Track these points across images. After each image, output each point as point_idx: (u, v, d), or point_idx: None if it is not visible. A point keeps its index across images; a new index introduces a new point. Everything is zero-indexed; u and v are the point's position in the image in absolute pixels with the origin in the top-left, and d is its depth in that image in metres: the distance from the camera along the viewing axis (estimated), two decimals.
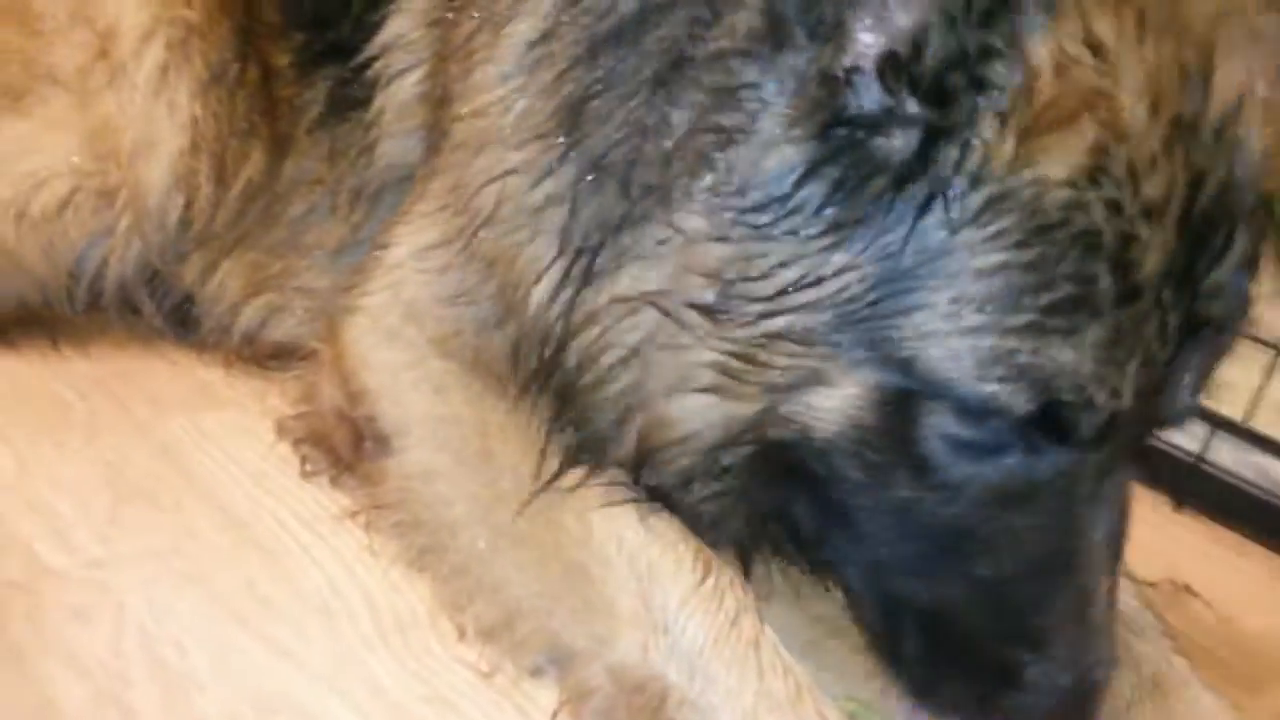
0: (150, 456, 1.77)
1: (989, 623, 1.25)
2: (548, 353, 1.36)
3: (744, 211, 1.19)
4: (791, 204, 1.17)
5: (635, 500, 1.35)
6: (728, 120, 1.22)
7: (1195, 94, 1.15)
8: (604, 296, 1.30)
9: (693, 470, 1.33)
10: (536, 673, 1.36)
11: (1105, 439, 1.20)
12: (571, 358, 1.34)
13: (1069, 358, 1.13)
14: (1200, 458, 2.31)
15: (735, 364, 1.23)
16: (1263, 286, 1.34)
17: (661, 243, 1.26)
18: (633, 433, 1.33)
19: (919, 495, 1.24)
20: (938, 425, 1.20)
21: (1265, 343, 2.20)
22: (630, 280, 1.28)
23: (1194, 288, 1.17)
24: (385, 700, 1.34)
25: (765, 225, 1.18)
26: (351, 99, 1.87)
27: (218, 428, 1.84)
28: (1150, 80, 1.13)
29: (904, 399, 1.19)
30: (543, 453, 1.38)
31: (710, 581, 1.29)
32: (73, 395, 1.91)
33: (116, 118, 1.92)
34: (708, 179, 1.23)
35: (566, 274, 1.33)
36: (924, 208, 1.14)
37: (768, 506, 1.38)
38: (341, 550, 1.58)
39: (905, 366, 1.17)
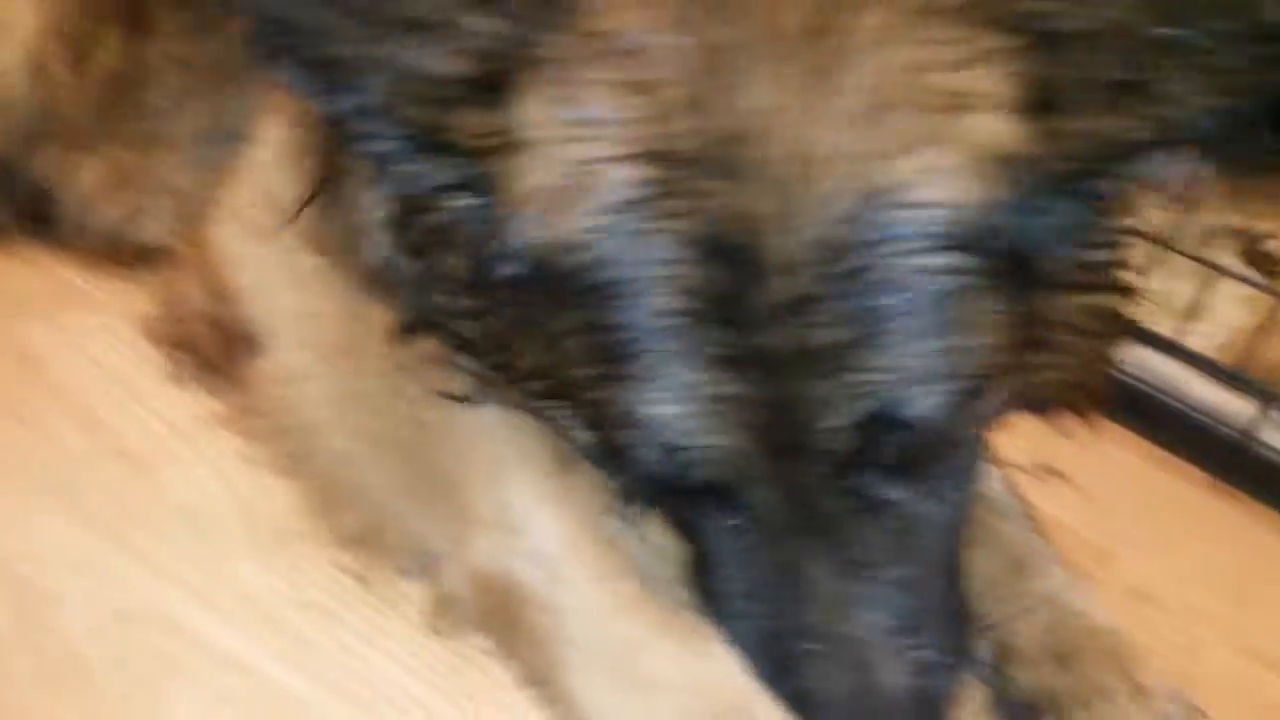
0: (7, 360, 1.69)
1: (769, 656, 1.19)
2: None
3: None
4: None
5: (499, 399, 1.33)
6: None
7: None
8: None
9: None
10: (407, 575, 1.36)
11: (749, 477, 1.10)
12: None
13: (642, 406, 1.05)
14: None
15: None
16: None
17: None
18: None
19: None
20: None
21: (1144, 236, 2.25)
22: None
23: (743, 316, 1.01)
24: (257, 609, 1.33)
25: None
26: None
27: (80, 330, 1.76)
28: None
29: None
30: (401, 339, 1.33)
31: (563, 479, 1.29)
32: None
33: None
34: None
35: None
36: None
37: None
38: (212, 457, 1.54)
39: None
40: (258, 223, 1.58)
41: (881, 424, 1.06)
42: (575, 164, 1.03)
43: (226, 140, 1.75)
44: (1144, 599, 1.80)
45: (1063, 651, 1.46)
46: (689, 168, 0.99)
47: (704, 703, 1.17)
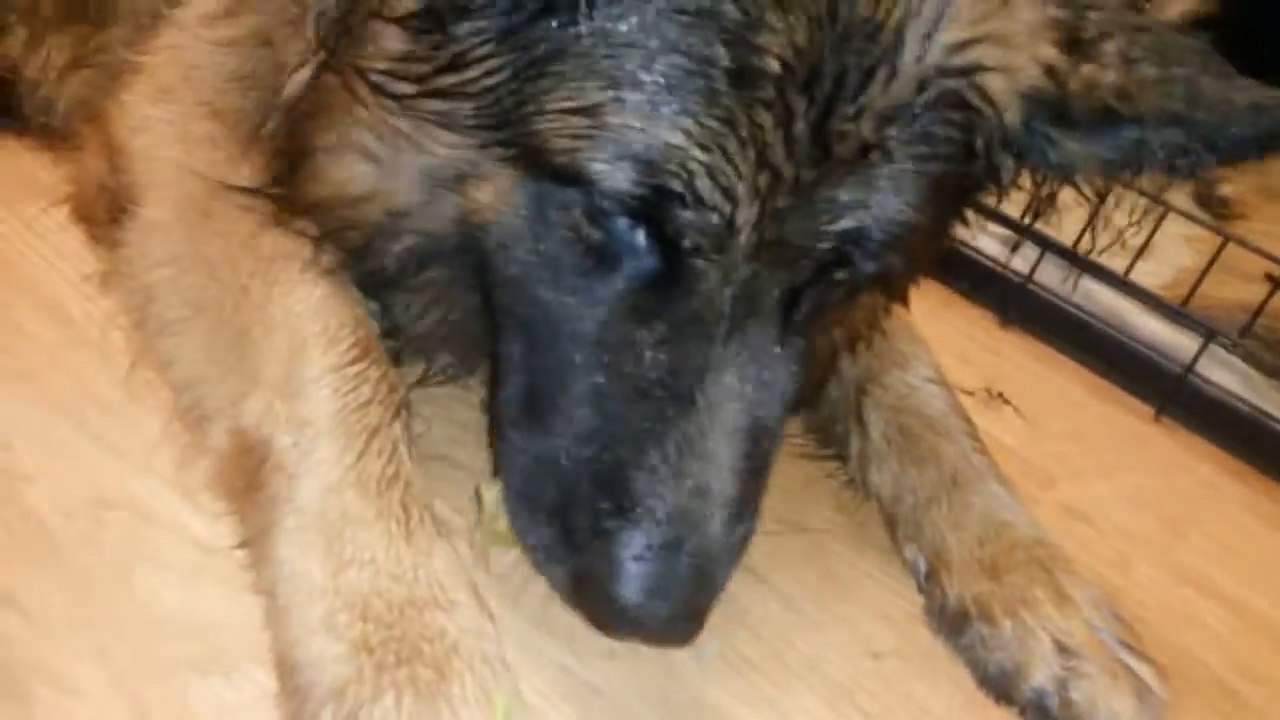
0: None
1: (591, 456, 1.21)
2: (290, 129, 1.36)
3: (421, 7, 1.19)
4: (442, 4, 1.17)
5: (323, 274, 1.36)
6: None
7: None
8: (328, 85, 1.29)
9: (378, 251, 1.34)
10: (178, 430, 1.38)
11: (727, 252, 1.17)
12: (297, 139, 1.34)
13: (678, 139, 1.12)
14: (1029, 278, 2.44)
15: (391, 139, 1.25)
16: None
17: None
18: (306, 185, 1.33)
19: (557, 298, 1.24)
20: (570, 223, 1.21)
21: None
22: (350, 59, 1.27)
23: (829, 100, 1.13)
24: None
25: (431, 20, 1.19)
26: None
27: (41, 219, 1.73)
28: None
29: (544, 194, 1.21)
30: (255, 218, 1.38)
31: (357, 367, 1.30)
32: None
33: None
34: None
35: (318, 56, 1.30)
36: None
37: (477, 323, 1.39)
38: None
39: (539, 157, 1.18)
40: (169, 85, 1.59)
41: (854, 244, 1.20)
42: None
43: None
44: (1079, 519, 1.89)
45: (993, 562, 1.52)
46: None
47: (400, 588, 1.16)
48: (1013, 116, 1.25)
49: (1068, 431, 2.15)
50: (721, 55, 1.11)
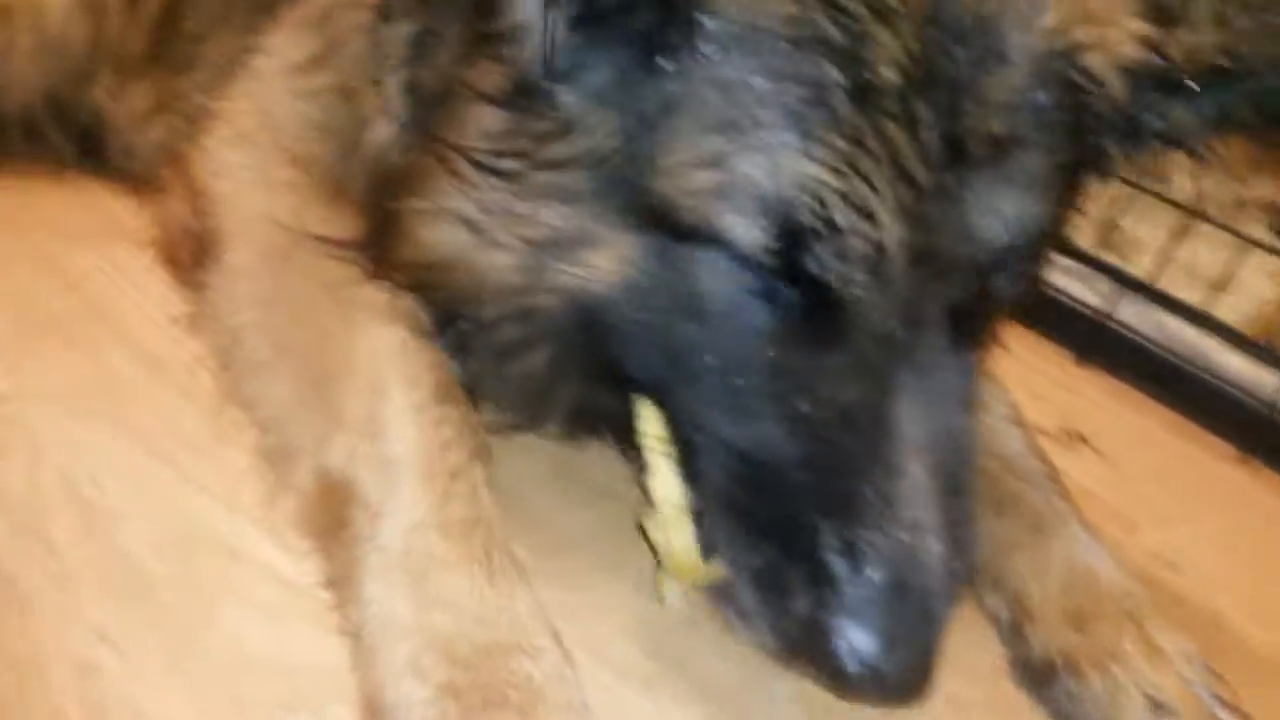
0: (60, 290, 1.73)
1: (787, 485, 1.18)
2: (379, 188, 1.38)
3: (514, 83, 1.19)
4: (547, 67, 1.16)
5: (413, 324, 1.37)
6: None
7: None
8: (430, 143, 1.30)
9: (466, 311, 1.34)
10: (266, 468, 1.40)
11: (882, 276, 1.14)
12: (390, 201, 1.35)
13: (807, 170, 1.09)
14: (1106, 315, 2.39)
15: (493, 210, 1.24)
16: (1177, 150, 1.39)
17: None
18: (394, 245, 1.34)
19: (709, 345, 1.21)
20: (707, 276, 1.18)
21: (1174, 203, 2.26)
22: (445, 134, 1.28)
23: (954, 99, 1.12)
24: None
25: (527, 91, 1.19)
26: None
27: (129, 261, 1.79)
28: None
29: (672, 252, 1.19)
30: (340, 264, 1.40)
31: (438, 408, 1.30)
32: None
33: None
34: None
35: (403, 116, 1.33)
36: (655, 53, 1.13)
37: (588, 373, 1.39)
38: None
39: (663, 217, 1.16)
40: (248, 131, 1.64)
41: (1006, 248, 1.18)
42: None
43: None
44: (1165, 565, 1.83)
45: (1079, 613, 1.47)
46: None
47: (485, 632, 1.16)
48: (1118, 92, 1.24)
49: (1149, 473, 2.09)
50: (836, 76, 1.10)
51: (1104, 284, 2.40)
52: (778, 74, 1.11)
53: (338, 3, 1.55)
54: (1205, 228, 2.30)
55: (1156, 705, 1.39)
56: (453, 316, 1.37)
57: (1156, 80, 1.26)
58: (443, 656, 1.14)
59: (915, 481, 1.16)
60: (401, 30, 1.36)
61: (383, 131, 1.36)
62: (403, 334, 1.36)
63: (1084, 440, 2.08)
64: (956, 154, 1.13)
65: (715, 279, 1.18)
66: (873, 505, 1.15)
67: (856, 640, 1.14)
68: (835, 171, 1.10)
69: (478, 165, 1.24)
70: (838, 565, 1.15)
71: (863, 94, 1.10)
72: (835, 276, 1.14)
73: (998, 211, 1.17)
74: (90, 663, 1.17)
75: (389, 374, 1.32)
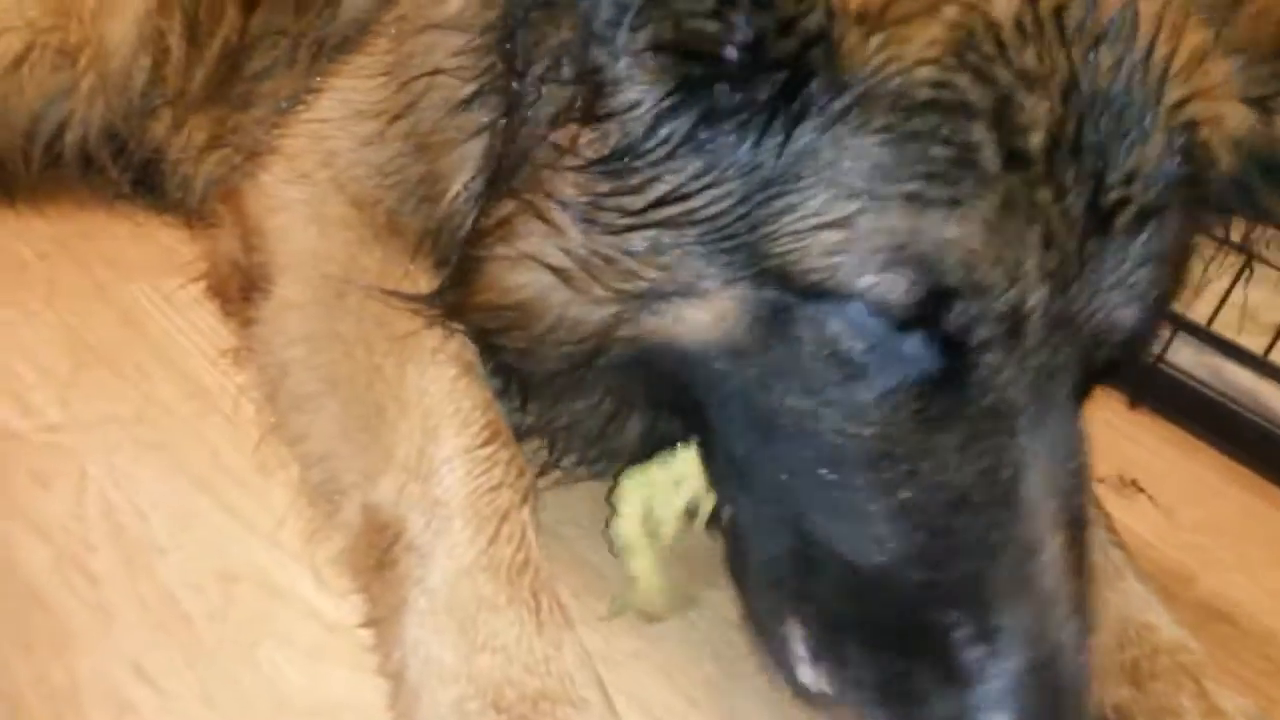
0: (111, 321, 1.76)
1: (902, 586, 1.12)
2: (452, 244, 1.37)
3: (616, 147, 1.17)
4: (659, 133, 1.14)
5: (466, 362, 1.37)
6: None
7: None
8: (509, 207, 1.28)
9: (545, 359, 1.32)
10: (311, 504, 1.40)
11: (1019, 340, 1.12)
12: (471, 249, 1.33)
13: (954, 232, 1.07)
14: (1159, 358, 2.34)
15: (588, 259, 1.21)
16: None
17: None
18: (471, 289, 1.33)
19: (809, 413, 1.16)
20: (822, 337, 1.14)
21: (1232, 245, 2.20)
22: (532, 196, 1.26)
23: (1098, 166, 1.12)
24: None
25: (634, 155, 1.16)
26: None
27: (181, 293, 1.81)
28: None
29: (783, 312, 1.15)
30: (398, 303, 1.40)
31: (488, 450, 1.29)
32: (31, 254, 1.88)
33: None
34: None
35: (487, 181, 1.31)
36: (780, 117, 1.10)
37: (653, 423, 1.39)
38: None
39: (779, 276, 1.13)
40: (308, 170, 1.64)
41: (1135, 328, 1.18)
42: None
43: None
44: (1223, 619, 1.78)
45: (1135, 667, 1.42)
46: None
47: (533, 680, 1.14)
48: (1228, 167, 1.23)
49: (1206, 522, 2.04)
50: (985, 138, 1.08)
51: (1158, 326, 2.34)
52: (920, 136, 1.09)
53: (414, 52, 1.53)
54: (1262, 270, 2.24)
55: None
56: (524, 359, 1.36)
57: (1259, 160, 1.27)
58: (489, 703, 1.12)
59: (1051, 555, 1.12)
60: (490, 97, 1.35)
61: (460, 189, 1.35)
62: (454, 373, 1.36)
63: (1139, 488, 2.03)
64: (1099, 222, 1.13)
65: (835, 337, 1.14)
66: (1006, 588, 1.10)
67: None
68: (983, 233, 1.08)
69: (575, 216, 1.21)
70: (973, 658, 1.09)
71: (1012, 157, 1.09)
72: (975, 339, 1.11)
73: (1131, 281, 1.16)
74: (127, 700, 1.16)
75: (441, 414, 1.31)
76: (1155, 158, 1.14)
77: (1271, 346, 2.30)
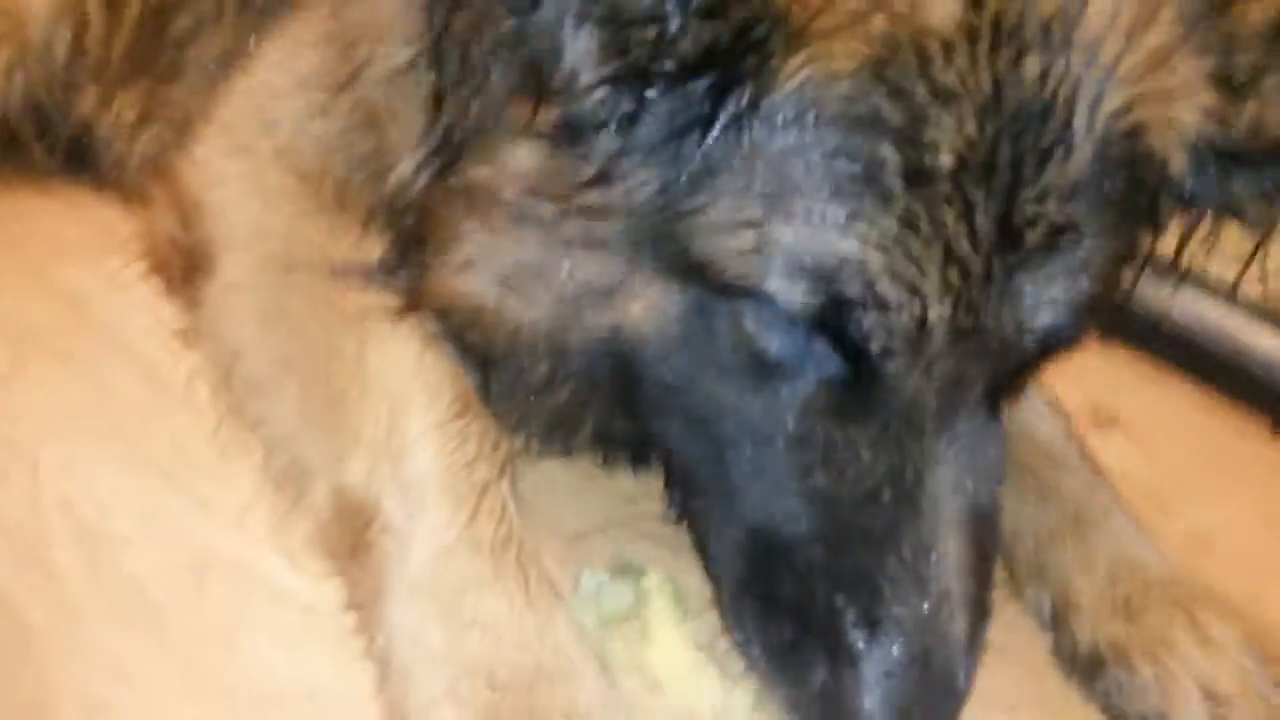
0: (54, 306, 1.68)
1: (804, 561, 1.17)
2: (400, 217, 1.33)
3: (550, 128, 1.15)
4: (592, 109, 1.11)
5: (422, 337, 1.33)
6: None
7: None
8: (459, 181, 1.24)
9: (498, 354, 1.32)
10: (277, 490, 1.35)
11: (922, 350, 1.12)
12: (417, 224, 1.30)
13: (851, 247, 1.08)
14: (1129, 293, 2.34)
15: (524, 262, 1.21)
16: None
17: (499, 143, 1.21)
18: (422, 289, 1.31)
19: (733, 402, 1.19)
20: (740, 334, 1.16)
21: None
22: (476, 173, 1.23)
23: (1010, 186, 1.09)
24: None
25: (570, 135, 1.14)
26: None
27: (126, 275, 1.71)
28: None
29: (706, 306, 1.17)
30: (349, 279, 1.36)
31: (460, 423, 1.27)
32: None
33: None
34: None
35: (433, 151, 1.25)
36: (707, 117, 1.09)
37: (609, 419, 1.38)
38: None
39: (699, 273, 1.14)
40: (247, 141, 1.58)
41: (1055, 332, 1.17)
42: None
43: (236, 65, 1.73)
44: (1204, 548, 1.77)
45: (1127, 603, 1.44)
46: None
47: (527, 657, 1.13)
48: (1178, 167, 1.20)
49: (1183, 454, 2.04)
50: (890, 156, 1.07)
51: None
52: (829, 149, 1.08)
53: (358, 23, 1.48)
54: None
55: (1210, 694, 1.35)
56: (482, 356, 1.34)
57: (1218, 154, 1.23)
58: (482, 682, 1.10)
59: (946, 553, 1.15)
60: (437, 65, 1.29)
61: (408, 165, 1.30)
62: (418, 347, 1.32)
63: (1115, 422, 2.03)
64: (1009, 240, 1.10)
65: (747, 337, 1.16)
66: (898, 579, 1.13)
67: (875, 714, 1.12)
68: (881, 248, 1.08)
69: (507, 212, 1.20)
70: (858, 639, 1.13)
71: (917, 175, 1.07)
72: (876, 347, 1.12)
73: (1047, 294, 1.14)
74: (102, 700, 1.13)
75: (407, 390, 1.28)
76: (1078, 173, 1.11)
77: (1240, 277, 2.31)
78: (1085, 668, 1.43)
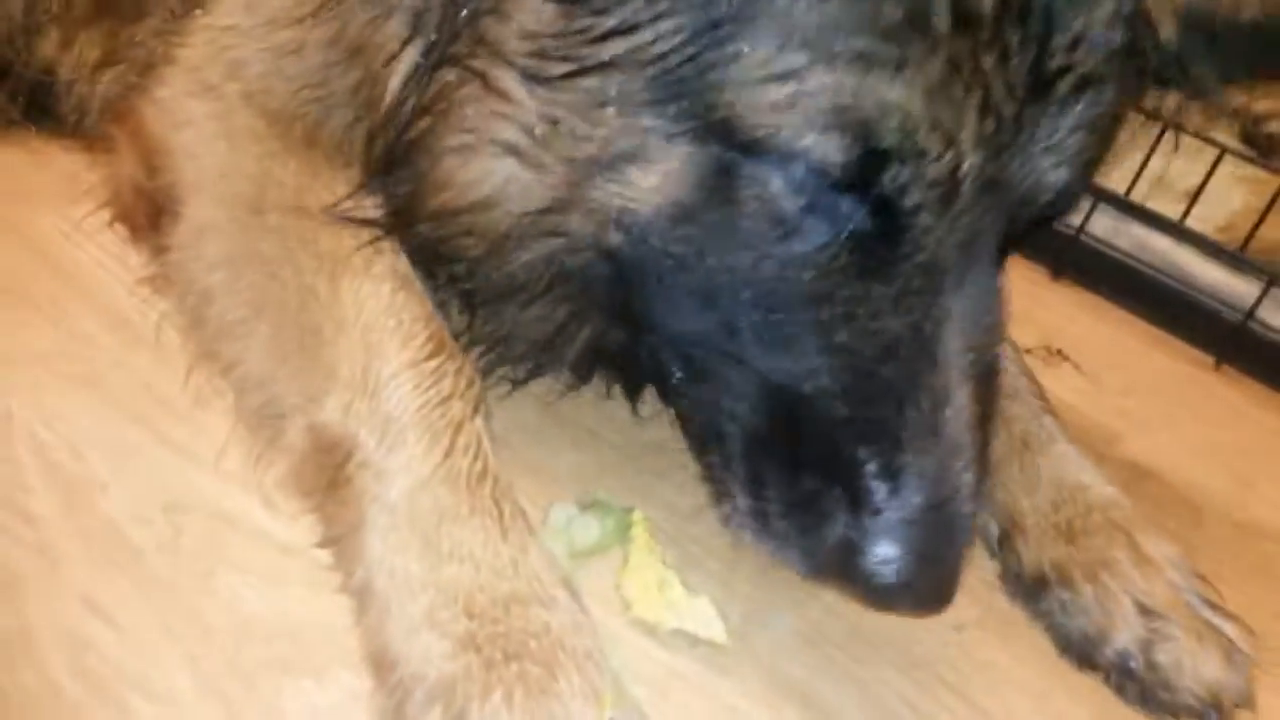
0: (19, 255, 1.67)
1: (825, 417, 1.17)
2: (396, 138, 1.30)
3: None
4: None
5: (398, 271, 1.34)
6: None
7: None
8: (453, 74, 1.24)
9: (502, 260, 1.30)
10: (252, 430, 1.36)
11: (951, 203, 1.13)
12: (413, 135, 1.29)
13: (897, 94, 1.06)
14: (1081, 229, 2.39)
15: (542, 129, 1.18)
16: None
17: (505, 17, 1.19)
18: (422, 193, 1.30)
19: (750, 267, 1.18)
20: (764, 195, 1.14)
21: (1147, 114, 2.24)
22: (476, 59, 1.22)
23: (1044, 31, 1.10)
24: None
25: None
26: None
27: (92, 222, 1.72)
28: None
29: (726, 169, 1.14)
30: (328, 216, 1.35)
31: (435, 362, 1.28)
32: None
33: None
34: None
35: (424, 55, 1.25)
36: None
37: (604, 331, 1.39)
38: None
39: (725, 129, 1.11)
40: (213, 82, 1.55)
41: (1061, 193, 1.19)
42: None
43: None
44: (1147, 475, 1.86)
45: (1069, 526, 1.50)
46: None
47: (502, 584, 1.16)
48: (1168, 33, 1.23)
49: (1128, 385, 2.11)
50: (939, 2, 1.06)
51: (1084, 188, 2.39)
52: None
53: None
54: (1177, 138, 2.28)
55: (1146, 610, 1.42)
56: (483, 267, 1.33)
57: (1200, 28, 1.26)
58: (461, 610, 1.14)
59: (959, 407, 1.17)
60: None
61: (399, 76, 1.28)
62: (391, 286, 1.32)
63: (1063, 356, 2.09)
64: (1040, 88, 1.12)
65: (775, 195, 1.14)
66: (916, 431, 1.15)
67: (894, 558, 1.15)
68: (926, 96, 1.07)
69: (521, 73, 1.17)
70: (879, 489, 1.16)
71: (963, 21, 1.07)
72: (909, 202, 1.12)
73: (1064, 148, 1.16)
74: (83, 637, 1.15)
75: (382, 329, 1.29)
76: (1102, 24, 1.13)
77: (1187, 213, 2.36)
78: (1030, 588, 1.49)
